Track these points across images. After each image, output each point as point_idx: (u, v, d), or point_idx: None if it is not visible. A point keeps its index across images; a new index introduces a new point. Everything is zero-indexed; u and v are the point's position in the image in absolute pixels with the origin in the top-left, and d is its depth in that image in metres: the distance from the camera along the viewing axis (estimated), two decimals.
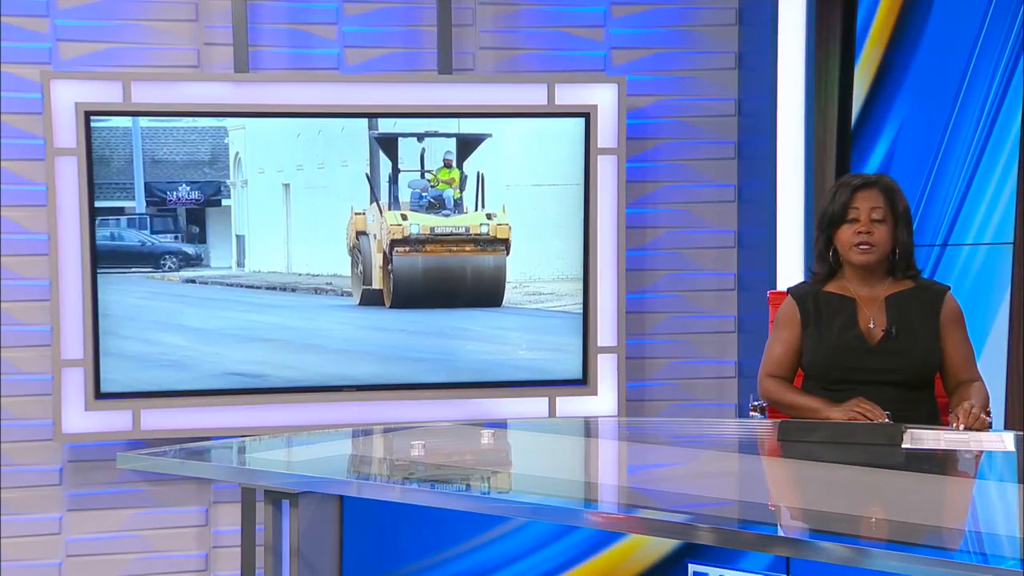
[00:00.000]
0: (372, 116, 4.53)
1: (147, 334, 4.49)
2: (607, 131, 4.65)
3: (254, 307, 4.57)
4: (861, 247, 3.51)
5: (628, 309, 4.77)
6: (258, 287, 4.57)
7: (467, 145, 4.59)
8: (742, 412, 4.86)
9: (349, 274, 4.61)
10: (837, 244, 3.56)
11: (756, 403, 3.72)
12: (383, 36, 4.74)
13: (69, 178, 4.38)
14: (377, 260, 4.61)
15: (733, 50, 4.92)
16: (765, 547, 2.50)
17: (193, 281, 4.54)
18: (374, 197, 4.57)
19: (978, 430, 3.23)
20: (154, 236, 4.48)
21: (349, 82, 4.59)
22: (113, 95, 4.38)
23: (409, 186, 4.59)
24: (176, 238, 4.50)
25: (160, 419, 4.49)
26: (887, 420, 3.31)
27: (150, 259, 4.49)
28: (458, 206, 4.61)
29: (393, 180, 4.58)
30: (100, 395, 4.45)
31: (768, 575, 2.62)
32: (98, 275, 4.41)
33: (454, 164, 4.60)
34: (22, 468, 4.60)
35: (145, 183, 4.42)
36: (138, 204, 4.44)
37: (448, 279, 4.64)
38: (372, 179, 4.57)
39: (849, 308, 3.55)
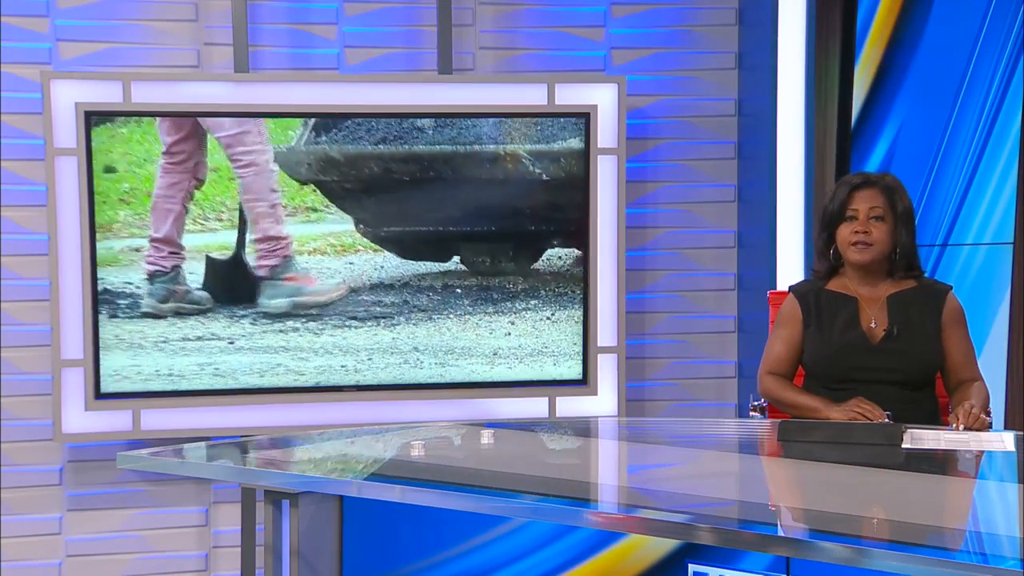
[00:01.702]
0: (372, 116, 4.53)
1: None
2: (607, 131, 4.65)
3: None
4: (858, 245, 3.52)
5: (628, 309, 4.77)
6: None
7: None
8: (742, 412, 4.87)
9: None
10: (837, 242, 3.57)
11: (756, 403, 3.72)
12: (383, 36, 4.74)
13: (69, 178, 4.38)
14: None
15: (733, 50, 4.92)
16: (765, 547, 2.50)
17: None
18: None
19: (978, 430, 3.23)
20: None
21: (349, 82, 4.59)
22: (113, 95, 4.38)
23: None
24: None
25: (160, 419, 4.49)
26: (887, 420, 3.31)
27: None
28: None
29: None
30: (100, 395, 4.45)
31: (768, 575, 2.62)
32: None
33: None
34: (22, 468, 4.61)
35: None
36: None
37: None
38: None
39: (851, 307, 3.55)
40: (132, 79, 4.40)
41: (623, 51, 4.87)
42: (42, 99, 4.37)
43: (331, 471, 3.19)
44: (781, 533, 2.54)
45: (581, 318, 4.62)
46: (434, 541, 3.05)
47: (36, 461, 4.61)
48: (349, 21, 4.73)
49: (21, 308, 4.57)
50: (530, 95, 4.61)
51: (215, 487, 4.71)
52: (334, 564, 3.14)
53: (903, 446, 3.09)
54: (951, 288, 3.59)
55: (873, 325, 3.53)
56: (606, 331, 4.70)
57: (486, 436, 3.31)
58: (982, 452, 3.11)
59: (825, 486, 2.87)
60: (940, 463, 3.06)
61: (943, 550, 2.35)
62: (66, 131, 4.37)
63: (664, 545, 2.76)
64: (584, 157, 4.62)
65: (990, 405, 3.47)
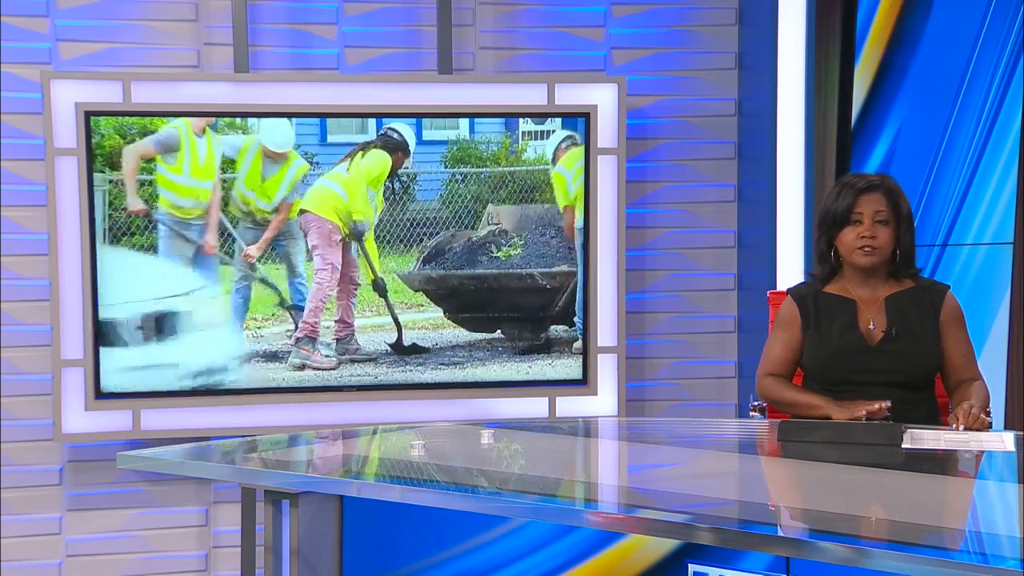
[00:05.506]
0: (372, 116, 4.54)
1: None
2: (607, 131, 4.65)
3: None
4: (864, 249, 3.50)
5: (628, 309, 4.77)
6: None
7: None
8: (742, 412, 4.87)
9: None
10: (839, 246, 3.55)
11: (756, 403, 3.72)
12: (383, 36, 4.75)
13: (69, 178, 4.38)
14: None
15: (733, 50, 4.92)
16: (765, 547, 2.50)
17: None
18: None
19: (978, 430, 3.23)
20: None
21: (349, 82, 4.59)
22: (113, 95, 4.38)
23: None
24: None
25: (160, 419, 4.49)
26: (887, 406, 3.30)
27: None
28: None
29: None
30: (100, 395, 4.45)
31: (768, 575, 2.62)
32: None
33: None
34: (22, 468, 4.61)
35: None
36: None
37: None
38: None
39: (849, 309, 3.55)
40: (132, 79, 4.40)
41: (623, 51, 4.87)
42: (42, 99, 4.37)
43: (331, 471, 3.19)
44: (781, 533, 2.54)
45: (581, 357, 4.79)
46: (434, 541, 3.05)
47: (36, 461, 4.62)
48: (349, 21, 4.73)
49: (21, 308, 4.57)
50: (530, 95, 4.61)
51: (215, 487, 4.72)
52: (334, 564, 3.14)
53: (903, 446, 3.09)
54: (949, 288, 3.59)
55: (872, 327, 3.53)
56: (606, 331, 4.70)
57: (486, 436, 3.31)
58: (982, 452, 3.11)
59: (825, 486, 2.87)
60: (940, 463, 3.06)
61: (943, 550, 2.35)
62: (66, 131, 4.37)
63: (664, 545, 2.76)
64: (584, 156, 4.62)
65: (990, 405, 3.47)
